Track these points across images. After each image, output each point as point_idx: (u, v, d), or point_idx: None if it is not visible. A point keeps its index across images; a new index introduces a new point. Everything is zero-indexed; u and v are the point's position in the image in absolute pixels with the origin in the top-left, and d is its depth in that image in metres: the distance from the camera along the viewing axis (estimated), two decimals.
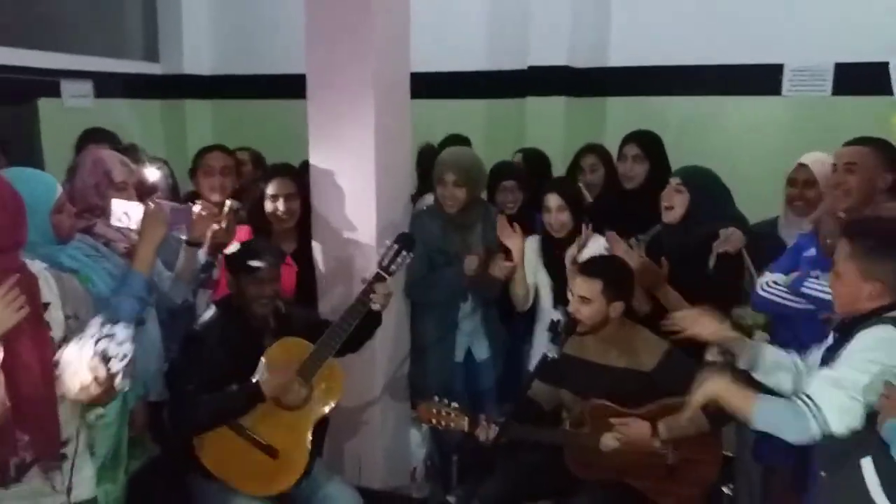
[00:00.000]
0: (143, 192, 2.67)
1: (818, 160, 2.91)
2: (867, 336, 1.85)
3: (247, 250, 2.60)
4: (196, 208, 2.65)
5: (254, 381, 2.45)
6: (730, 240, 2.71)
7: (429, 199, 3.40)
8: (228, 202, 2.89)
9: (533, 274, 3.09)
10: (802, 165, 2.99)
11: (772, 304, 2.55)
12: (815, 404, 1.84)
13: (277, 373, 2.44)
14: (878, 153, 2.49)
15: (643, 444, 2.45)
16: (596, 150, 3.68)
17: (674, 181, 2.86)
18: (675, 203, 2.82)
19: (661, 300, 2.75)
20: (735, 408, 2.01)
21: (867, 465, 1.82)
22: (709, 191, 2.86)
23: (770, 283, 2.55)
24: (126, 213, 2.33)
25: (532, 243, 3.11)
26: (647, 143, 3.31)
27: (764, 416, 1.95)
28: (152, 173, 2.77)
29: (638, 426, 2.46)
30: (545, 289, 3.10)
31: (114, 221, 2.34)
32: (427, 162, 3.70)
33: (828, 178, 2.65)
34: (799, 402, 1.87)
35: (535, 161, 3.87)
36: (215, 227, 2.67)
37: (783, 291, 2.51)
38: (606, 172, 3.59)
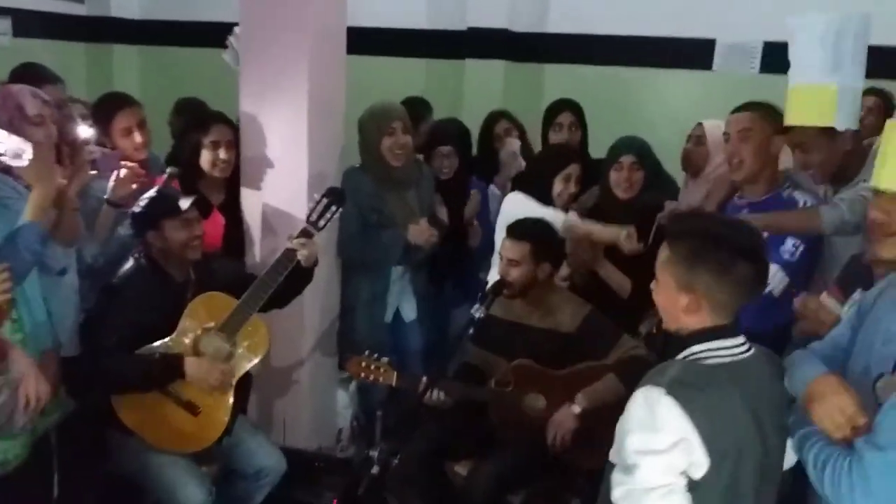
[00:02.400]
0: (74, 145, 2.53)
1: (714, 124, 2.98)
2: (630, 406, 1.56)
3: (166, 196, 2.53)
4: (122, 172, 2.59)
5: (174, 351, 2.42)
6: (674, 213, 2.78)
7: None
8: (169, 169, 2.79)
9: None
10: (699, 125, 3.11)
11: None
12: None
13: (204, 362, 2.41)
14: (767, 116, 2.50)
15: (567, 424, 2.47)
16: (572, 106, 3.39)
17: (627, 160, 2.88)
18: (634, 181, 2.87)
19: (600, 275, 2.83)
20: None
21: None
22: (657, 167, 2.95)
23: None
24: (17, 151, 2.12)
25: (519, 201, 2.93)
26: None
27: None
28: (85, 130, 2.64)
29: (561, 415, 2.48)
30: None
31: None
32: None
33: (718, 144, 2.72)
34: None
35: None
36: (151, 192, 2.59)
37: None
38: (582, 132, 3.40)
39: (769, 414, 1.60)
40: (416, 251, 3.06)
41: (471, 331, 2.49)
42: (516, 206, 2.89)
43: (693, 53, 4.56)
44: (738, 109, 2.59)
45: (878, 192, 1.70)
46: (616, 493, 1.58)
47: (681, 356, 1.62)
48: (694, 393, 1.51)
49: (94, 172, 2.53)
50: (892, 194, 1.66)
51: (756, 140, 2.49)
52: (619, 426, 1.60)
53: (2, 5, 4.77)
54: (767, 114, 2.52)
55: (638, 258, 2.72)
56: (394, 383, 2.58)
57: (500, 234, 2.94)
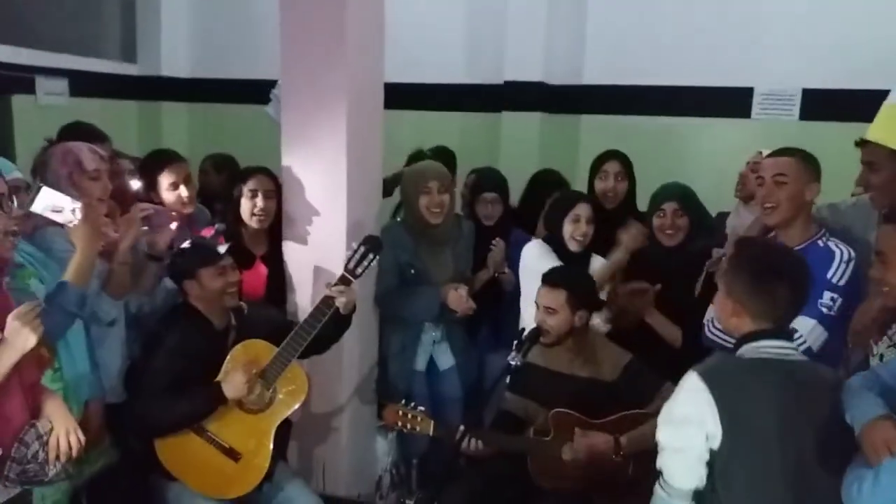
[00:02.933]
0: (125, 200, 2.65)
1: None
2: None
3: (201, 245, 2.59)
4: (172, 226, 2.68)
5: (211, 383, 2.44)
6: (723, 260, 2.76)
7: None
8: (217, 225, 2.87)
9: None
10: (759, 153, 3.12)
11: (718, 346, 2.40)
12: (661, 479, 1.85)
13: (238, 373, 2.43)
14: (804, 164, 2.46)
15: (604, 456, 2.47)
16: (620, 157, 3.35)
17: (670, 206, 2.90)
18: (679, 227, 2.89)
19: (649, 322, 2.82)
20: None
21: None
22: (701, 213, 2.94)
23: (714, 323, 2.41)
24: (55, 207, 2.15)
25: (539, 248, 3.02)
26: (627, 163, 3.33)
27: None
28: (134, 183, 2.75)
29: (600, 438, 2.48)
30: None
31: (36, 208, 2.14)
32: None
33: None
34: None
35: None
36: None
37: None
38: (629, 184, 3.35)
39: (810, 416, 1.75)
40: (452, 312, 3.07)
41: (507, 379, 2.48)
42: (532, 256, 2.96)
43: (731, 102, 4.58)
44: (774, 154, 2.58)
45: None
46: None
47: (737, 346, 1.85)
48: (722, 376, 1.77)
49: (145, 228, 2.60)
50: None
51: (791, 186, 2.45)
52: None
53: (59, 67, 5.02)
54: (804, 160, 2.48)
55: (688, 308, 2.70)
56: (431, 433, 2.56)
57: (523, 283, 3.02)
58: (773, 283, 1.80)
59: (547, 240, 3.02)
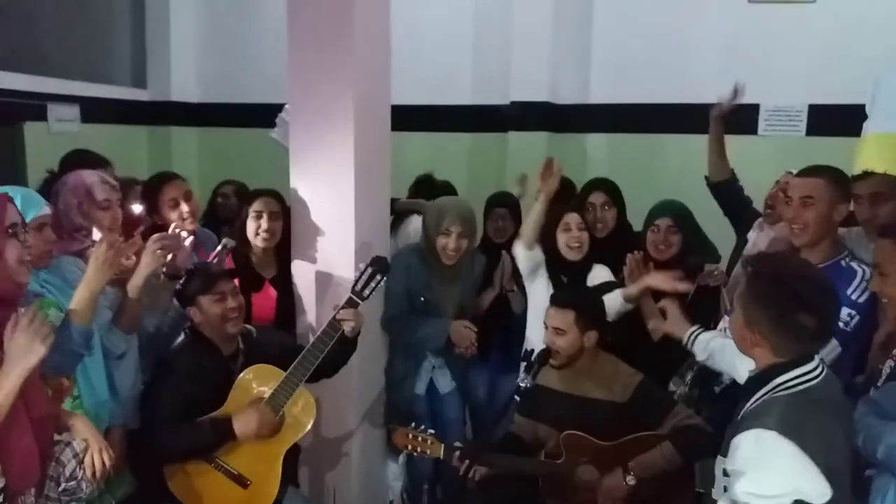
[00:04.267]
0: (129, 225, 2.66)
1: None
2: (741, 448, 1.66)
3: (199, 271, 2.61)
4: (187, 242, 2.70)
5: (221, 413, 2.44)
6: (713, 276, 2.78)
7: (416, 221, 3.41)
8: (224, 240, 2.89)
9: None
10: (788, 173, 3.09)
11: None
12: None
13: (250, 413, 2.42)
14: (834, 185, 2.44)
15: (618, 492, 2.44)
16: (606, 185, 3.36)
17: (663, 222, 2.92)
18: (671, 243, 2.90)
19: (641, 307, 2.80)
20: None
21: None
22: (694, 229, 2.94)
23: None
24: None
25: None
26: (613, 190, 3.33)
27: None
28: (136, 207, 2.77)
29: (611, 481, 2.44)
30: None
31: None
32: (424, 192, 3.74)
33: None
34: None
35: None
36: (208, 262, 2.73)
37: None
38: (618, 210, 3.33)
39: (847, 424, 1.74)
40: (453, 346, 3.07)
41: (517, 400, 2.47)
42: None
43: (737, 118, 4.56)
44: (802, 173, 2.54)
45: None
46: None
47: (765, 390, 1.70)
48: (802, 428, 1.60)
49: (169, 256, 2.58)
50: None
51: (819, 207, 2.42)
52: (726, 466, 1.70)
53: (71, 93, 5.08)
54: (833, 181, 2.45)
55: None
56: (441, 455, 2.55)
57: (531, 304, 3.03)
58: (796, 316, 1.65)
59: (548, 259, 3.02)
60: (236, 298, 2.56)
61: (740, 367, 2.06)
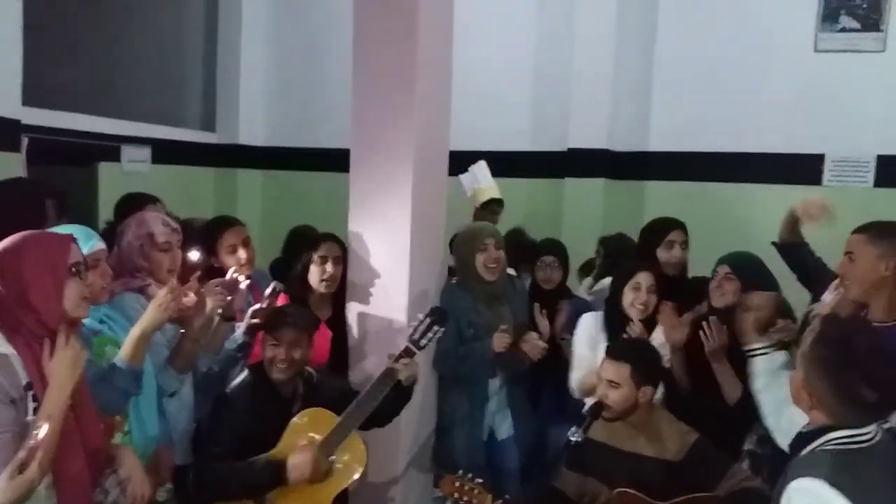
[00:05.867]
0: (187, 267, 2.72)
1: None
2: (797, 496, 1.62)
3: (274, 314, 2.65)
4: (243, 286, 2.76)
5: (274, 455, 2.46)
6: (782, 329, 2.69)
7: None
8: (273, 284, 2.95)
9: (591, 350, 3.01)
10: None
11: None
12: None
13: (303, 457, 2.43)
14: (877, 240, 2.36)
15: None
16: (682, 226, 3.33)
17: (722, 269, 2.88)
18: (725, 290, 2.85)
19: (715, 371, 2.76)
20: None
21: None
22: (757, 279, 2.87)
23: None
24: None
25: (590, 320, 3.06)
26: (687, 231, 3.30)
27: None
28: (193, 254, 2.82)
29: None
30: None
31: None
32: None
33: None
34: None
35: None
36: (257, 306, 2.76)
37: None
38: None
39: None
40: (509, 363, 3.05)
41: (566, 455, 2.42)
42: (583, 328, 3.02)
43: (801, 168, 4.49)
44: (856, 230, 2.48)
45: None
46: None
47: (815, 444, 1.67)
48: (851, 481, 1.56)
49: (229, 298, 2.65)
50: None
51: (861, 263, 2.37)
52: None
53: (143, 135, 5.31)
54: (877, 235, 2.38)
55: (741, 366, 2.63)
56: None
57: (576, 351, 3.03)
58: (858, 389, 1.60)
59: (608, 311, 3.00)
60: (291, 351, 2.56)
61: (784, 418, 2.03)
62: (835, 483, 1.55)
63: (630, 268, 3.02)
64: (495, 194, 4.21)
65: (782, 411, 2.12)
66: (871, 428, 1.65)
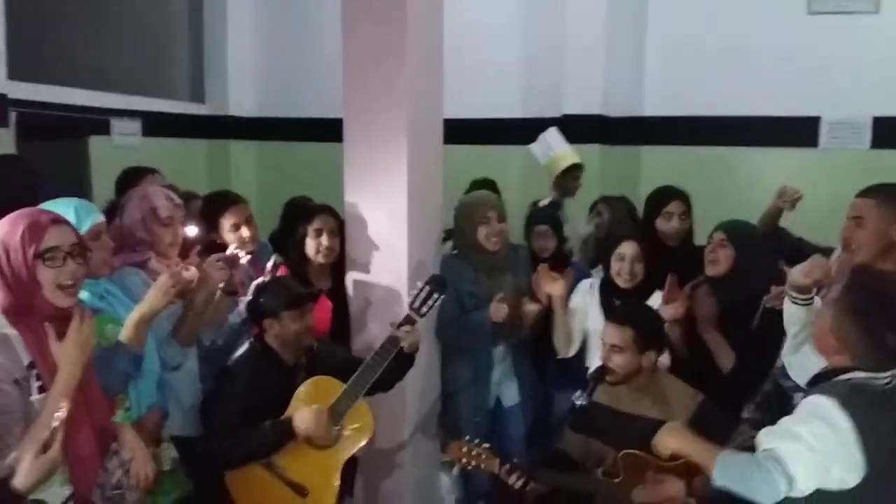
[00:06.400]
0: (187, 242, 2.71)
1: None
2: (802, 404, 1.79)
3: (287, 287, 2.65)
4: (244, 260, 2.74)
5: (283, 417, 2.48)
6: (781, 297, 2.70)
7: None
8: (273, 257, 2.94)
9: (582, 320, 3.05)
10: None
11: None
12: (777, 457, 1.75)
13: (309, 410, 2.46)
14: (886, 204, 2.36)
15: (676, 501, 2.40)
16: (683, 196, 3.30)
17: (717, 236, 2.88)
18: (719, 257, 2.83)
19: (706, 339, 2.79)
20: (699, 462, 1.99)
21: None
22: (752, 246, 2.87)
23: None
24: None
25: (585, 287, 3.09)
26: (688, 201, 3.29)
27: (726, 471, 1.85)
28: (191, 229, 2.79)
29: (673, 485, 2.40)
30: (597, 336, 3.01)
31: None
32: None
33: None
34: (761, 456, 1.79)
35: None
36: (259, 280, 2.76)
37: None
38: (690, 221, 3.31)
39: None
40: (510, 332, 3.06)
41: (571, 418, 2.45)
42: (576, 294, 3.06)
43: (797, 131, 4.48)
44: (859, 194, 2.47)
45: None
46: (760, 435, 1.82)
47: (837, 379, 1.77)
48: (864, 412, 1.67)
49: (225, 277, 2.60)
50: None
51: (870, 227, 2.36)
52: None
53: (133, 108, 5.25)
54: (886, 200, 2.38)
55: (745, 338, 2.64)
56: (496, 471, 2.54)
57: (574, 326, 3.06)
58: (885, 335, 1.73)
59: (602, 281, 3.03)
60: (312, 316, 2.61)
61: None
62: (845, 406, 1.67)
63: (615, 238, 3.03)
64: (575, 159, 3.96)
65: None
66: (890, 373, 1.75)
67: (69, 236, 1.82)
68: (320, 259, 3.05)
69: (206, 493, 2.57)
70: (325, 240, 3.03)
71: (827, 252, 2.59)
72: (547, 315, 3.09)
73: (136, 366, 2.15)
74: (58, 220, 1.82)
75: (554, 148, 3.96)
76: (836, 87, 4.39)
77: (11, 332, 1.72)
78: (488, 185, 4.07)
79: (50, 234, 1.77)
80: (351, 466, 2.66)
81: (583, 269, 3.42)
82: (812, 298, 2.29)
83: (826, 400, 1.71)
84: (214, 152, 5.96)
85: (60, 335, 1.78)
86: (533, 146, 3.42)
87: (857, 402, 1.68)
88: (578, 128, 4.81)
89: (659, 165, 4.71)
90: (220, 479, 2.51)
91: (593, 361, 2.95)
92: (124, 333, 2.12)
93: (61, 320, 1.80)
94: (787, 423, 1.78)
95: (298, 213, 3.48)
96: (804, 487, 1.73)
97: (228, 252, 2.72)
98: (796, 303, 2.30)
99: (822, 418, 1.70)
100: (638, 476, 2.46)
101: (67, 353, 1.75)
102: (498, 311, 2.96)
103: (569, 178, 3.99)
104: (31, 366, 1.72)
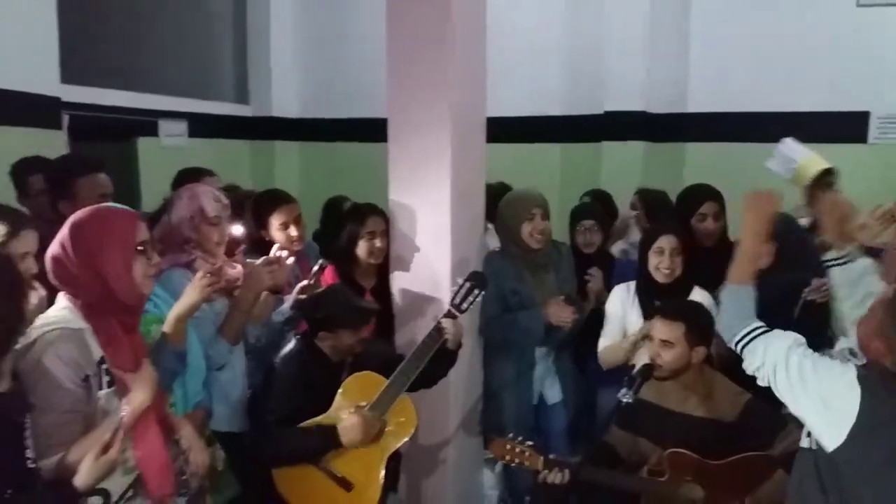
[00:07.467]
0: (233, 240, 2.74)
1: None
2: None
3: (354, 306, 2.65)
4: (289, 261, 2.77)
5: (327, 420, 2.50)
6: (821, 290, 2.66)
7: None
8: (320, 261, 2.97)
9: (621, 321, 3.02)
10: None
11: None
12: (761, 331, 1.86)
13: (357, 420, 2.47)
14: None
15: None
16: (717, 196, 3.30)
17: None
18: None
19: None
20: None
21: None
22: (793, 239, 2.83)
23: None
24: None
25: (622, 290, 3.05)
26: (722, 200, 3.26)
27: (733, 298, 1.99)
28: (237, 228, 2.80)
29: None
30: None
31: None
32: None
33: None
34: (763, 331, 1.88)
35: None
36: (304, 282, 2.81)
37: None
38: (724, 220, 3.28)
39: None
40: (557, 331, 3.06)
41: (617, 415, 2.43)
42: (614, 297, 3.04)
43: (845, 126, 4.39)
44: None
45: None
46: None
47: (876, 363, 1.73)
48: (881, 394, 1.62)
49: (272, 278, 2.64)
50: None
51: None
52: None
53: (179, 110, 5.36)
54: None
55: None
56: (540, 468, 2.53)
57: (607, 318, 3.04)
58: None
59: (640, 279, 2.99)
60: (367, 329, 2.62)
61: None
62: (862, 381, 1.64)
63: (653, 231, 3.00)
64: (823, 164, 3.43)
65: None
66: None
67: (146, 231, 1.93)
68: (372, 261, 3.08)
69: (254, 487, 2.61)
70: (378, 242, 3.06)
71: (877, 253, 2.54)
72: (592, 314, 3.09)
73: (180, 363, 2.19)
74: (140, 216, 1.93)
75: (796, 158, 3.45)
76: (885, 81, 4.28)
77: (85, 325, 1.79)
78: (505, 189, 4.03)
79: (140, 228, 1.89)
80: (395, 461, 2.68)
81: (626, 269, 3.40)
82: (844, 257, 2.36)
83: (854, 368, 1.69)
84: (258, 153, 6.05)
85: (127, 329, 1.85)
86: (771, 163, 3.24)
87: (879, 388, 1.64)
88: (621, 124, 4.79)
89: (704, 162, 4.65)
90: (268, 475, 2.54)
91: (637, 360, 2.93)
92: (164, 330, 2.17)
93: (132, 313, 1.87)
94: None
95: (341, 213, 3.52)
96: (764, 380, 1.82)
97: (272, 254, 2.76)
98: (828, 265, 2.35)
99: (839, 372, 1.69)
100: (684, 476, 2.43)
101: (139, 382, 1.83)
102: (559, 313, 2.95)
103: (822, 186, 3.75)
104: (102, 361, 1.79)
